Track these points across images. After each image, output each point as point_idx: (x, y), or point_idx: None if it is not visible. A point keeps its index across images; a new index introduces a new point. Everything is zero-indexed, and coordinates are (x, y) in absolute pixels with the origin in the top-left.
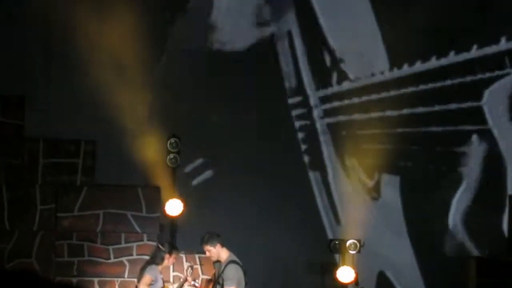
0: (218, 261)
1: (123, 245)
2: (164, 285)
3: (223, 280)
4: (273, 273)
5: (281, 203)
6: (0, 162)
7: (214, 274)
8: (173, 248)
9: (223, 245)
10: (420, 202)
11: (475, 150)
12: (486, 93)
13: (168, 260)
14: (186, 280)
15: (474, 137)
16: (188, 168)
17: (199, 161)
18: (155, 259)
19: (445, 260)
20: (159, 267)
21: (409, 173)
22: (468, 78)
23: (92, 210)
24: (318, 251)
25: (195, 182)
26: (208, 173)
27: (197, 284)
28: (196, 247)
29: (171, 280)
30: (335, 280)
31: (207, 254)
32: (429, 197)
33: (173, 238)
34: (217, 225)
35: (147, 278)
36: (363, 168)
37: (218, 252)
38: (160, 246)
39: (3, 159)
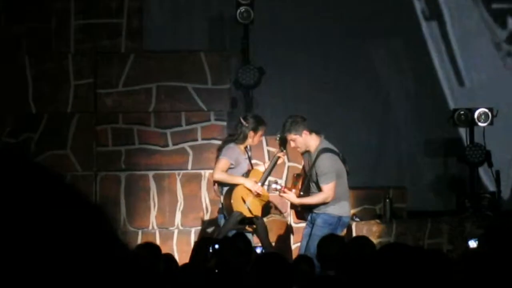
0: (307, 151)
1: (184, 127)
2: (251, 168)
3: (316, 175)
4: (381, 158)
5: (388, 67)
6: (22, 27)
7: (304, 167)
8: (259, 123)
9: (311, 131)
10: None
11: None
12: None
13: (253, 139)
14: (278, 158)
15: None
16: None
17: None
18: (236, 137)
19: None
20: (241, 147)
21: None
22: None
23: (142, 84)
24: (439, 125)
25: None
26: (291, 31)
27: (278, 187)
28: (279, 126)
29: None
30: (461, 161)
31: (292, 144)
32: None
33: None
34: (304, 99)
35: (222, 162)
36: (492, 14)
37: (305, 140)
38: (242, 121)
39: (25, 23)
